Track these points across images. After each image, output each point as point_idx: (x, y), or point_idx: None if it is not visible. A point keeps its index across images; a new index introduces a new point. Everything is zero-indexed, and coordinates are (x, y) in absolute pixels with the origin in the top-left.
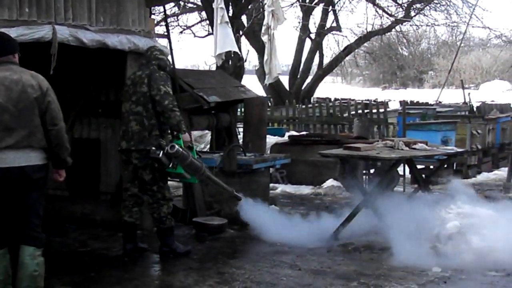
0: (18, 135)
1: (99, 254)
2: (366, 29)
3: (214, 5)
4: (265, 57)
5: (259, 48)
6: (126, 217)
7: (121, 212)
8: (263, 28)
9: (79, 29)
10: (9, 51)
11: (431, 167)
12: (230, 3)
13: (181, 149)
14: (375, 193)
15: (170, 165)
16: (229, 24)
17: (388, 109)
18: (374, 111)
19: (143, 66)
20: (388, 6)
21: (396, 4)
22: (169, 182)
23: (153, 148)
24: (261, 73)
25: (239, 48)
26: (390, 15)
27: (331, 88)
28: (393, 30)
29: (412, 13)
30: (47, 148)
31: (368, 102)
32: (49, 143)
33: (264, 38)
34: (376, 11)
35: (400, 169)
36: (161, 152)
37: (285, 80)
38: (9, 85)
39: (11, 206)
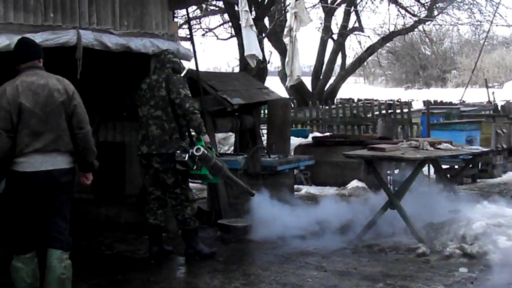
0: (46, 139)
1: (125, 257)
2: (388, 29)
3: (238, 8)
4: (287, 59)
5: (282, 49)
6: (151, 220)
7: (145, 215)
8: (285, 29)
9: (103, 33)
10: (35, 57)
11: (456, 167)
12: (253, 5)
13: (206, 151)
14: (400, 193)
15: (195, 167)
16: (253, 28)
17: (411, 109)
18: (398, 111)
19: (158, 69)
20: (410, 5)
21: (418, 4)
22: (193, 185)
23: (178, 151)
24: (283, 75)
25: (262, 50)
26: (413, 15)
27: (353, 89)
28: (416, 29)
29: (435, 12)
30: (74, 151)
31: (391, 102)
32: (76, 146)
33: (286, 40)
34: (399, 11)
35: (424, 169)
36: (187, 155)
37: (307, 81)
38: (36, 90)
39: (38, 209)
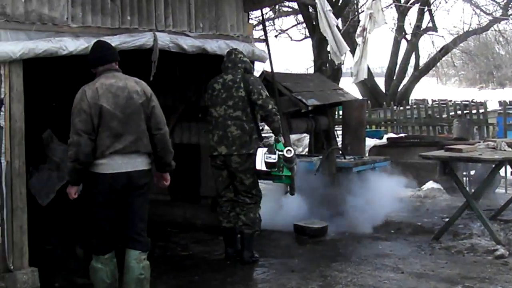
0: (126, 140)
1: (201, 258)
2: (463, 28)
3: (321, 8)
4: (356, 59)
5: (354, 50)
6: (224, 223)
7: (218, 218)
8: (358, 29)
9: (179, 36)
10: (112, 59)
11: None
12: None
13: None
14: (477, 195)
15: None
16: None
17: (487, 110)
18: (474, 111)
19: (230, 69)
20: (485, 4)
21: (494, 2)
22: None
23: (266, 152)
24: None
25: None
26: (488, 14)
27: (426, 89)
28: (490, 29)
29: (510, 11)
30: (152, 153)
31: (467, 102)
32: (154, 147)
33: (358, 40)
34: (473, 10)
35: (501, 171)
36: (277, 156)
37: (381, 82)
38: (115, 92)
39: (117, 211)
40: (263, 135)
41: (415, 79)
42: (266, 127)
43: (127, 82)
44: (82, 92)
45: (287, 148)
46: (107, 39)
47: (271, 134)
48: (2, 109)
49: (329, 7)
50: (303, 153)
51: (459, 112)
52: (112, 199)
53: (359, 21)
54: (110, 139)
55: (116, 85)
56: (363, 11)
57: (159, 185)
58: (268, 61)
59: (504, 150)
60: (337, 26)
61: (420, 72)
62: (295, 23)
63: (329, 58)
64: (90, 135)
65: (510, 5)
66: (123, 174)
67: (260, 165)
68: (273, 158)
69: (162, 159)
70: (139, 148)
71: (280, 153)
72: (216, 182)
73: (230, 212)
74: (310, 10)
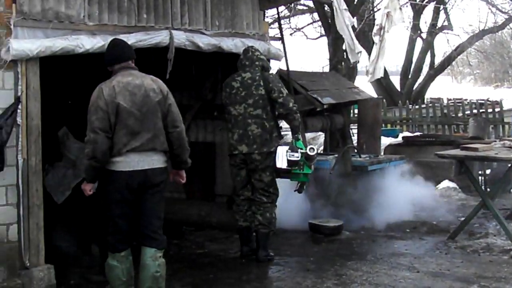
0: (143, 138)
1: (216, 256)
2: (478, 27)
3: (337, 7)
4: (372, 57)
5: (370, 48)
6: (240, 222)
7: (235, 216)
8: (375, 28)
9: (195, 34)
10: (128, 57)
11: None
12: None
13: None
14: (493, 194)
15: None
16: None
17: (503, 108)
18: (490, 110)
19: (248, 67)
20: (501, 3)
21: (510, 1)
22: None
23: (288, 150)
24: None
25: None
26: (504, 12)
27: (441, 88)
28: (506, 27)
29: None
30: (167, 151)
31: (483, 101)
32: (170, 145)
33: (375, 39)
34: (489, 9)
35: None
36: (300, 154)
37: (396, 81)
38: (132, 90)
39: (133, 208)
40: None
41: (430, 77)
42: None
43: (143, 80)
44: (99, 90)
45: (310, 146)
46: (123, 37)
47: (286, 132)
48: (19, 107)
49: (345, 6)
50: (319, 151)
51: (474, 111)
52: (128, 197)
53: (374, 19)
54: (127, 137)
55: (133, 83)
56: (378, 10)
57: (175, 182)
58: (283, 59)
59: None
60: (353, 26)
61: (436, 71)
62: (311, 21)
63: (345, 57)
64: (107, 133)
65: None
66: (139, 172)
67: (281, 163)
68: (296, 156)
69: (178, 157)
70: (156, 146)
71: (302, 151)
72: (234, 181)
73: (247, 211)
74: (326, 9)
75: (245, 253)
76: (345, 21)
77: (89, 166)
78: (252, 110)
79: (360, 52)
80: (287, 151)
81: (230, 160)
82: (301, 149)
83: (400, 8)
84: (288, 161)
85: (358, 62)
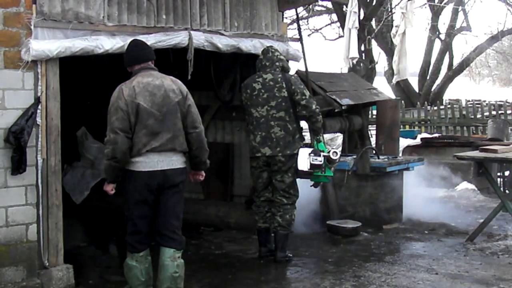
0: (163, 138)
1: (235, 257)
2: (497, 28)
3: (347, 8)
4: (395, 58)
5: (388, 50)
6: (260, 223)
7: (254, 217)
8: (394, 29)
9: (214, 34)
10: (148, 58)
11: None
12: (361, 6)
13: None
14: None
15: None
16: (356, 30)
17: None
18: (508, 112)
19: (269, 68)
20: None
21: None
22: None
23: (311, 154)
24: (389, 75)
25: (371, 51)
26: None
27: (459, 89)
28: None
29: None
30: (186, 151)
31: (501, 103)
32: (190, 146)
33: (396, 40)
34: (508, 9)
35: None
36: (323, 158)
37: (414, 82)
38: (152, 91)
39: (153, 209)
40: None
41: (449, 79)
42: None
43: (163, 81)
44: (119, 90)
45: (333, 150)
46: (142, 38)
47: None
48: (39, 107)
49: (355, 9)
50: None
51: (493, 112)
52: (148, 197)
53: (393, 20)
54: (147, 137)
55: (153, 83)
56: (395, 12)
57: (195, 179)
58: (302, 60)
59: None
60: (370, 28)
61: (454, 72)
62: (329, 22)
63: (363, 58)
64: (127, 133)
65: None
66: (159, 172)
67: (303, 165)
68: (319, 160)
69: (197, 158)
70: (175, 146)
71: (325, 154)
72: (255, 183)
73: (267, 212)
74: (344, 10)
75: (263, 254)
76: (349, 24)
77: (109, 166)
78: (275, 113)
79: (354, 58)
80: (309, 154)
81: (252, 162)
82: (323, 151)
83: (413, 12)
84: (311, 164)
85: (351, 66)
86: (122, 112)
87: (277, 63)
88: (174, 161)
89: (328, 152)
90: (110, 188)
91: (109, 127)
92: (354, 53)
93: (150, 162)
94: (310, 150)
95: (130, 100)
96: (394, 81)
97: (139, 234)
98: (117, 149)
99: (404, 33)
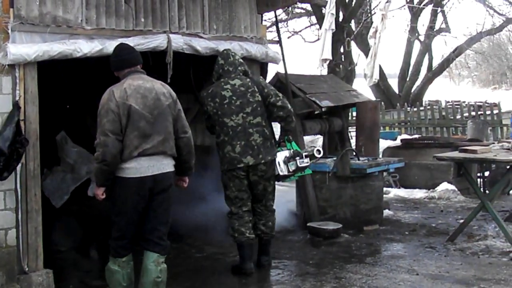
0: (154, 140)
1: (215, 259)
2: (476, 29)
3: (325, 10)
4: (368, 60)
5: (367, 51)
6: (247, 234)
7: (239, 230)
8: (371, 30)
9: (192, 37)
10: (137, 61)
11: None
12: (340, 8)
13: None
14: (492, 196)
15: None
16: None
17: (502, 111)
18: (488, 112)
19: (233, 73)
20: (499, 5)
21: (507, 3)
22: (279, 187)
23: (297, 157)
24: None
25: (350, 52)
26: (501, 15)
27: (439, 90)
28: (504, 29)
29: None
30: (175, 156)
31: (481, 103)
32: (180, 151)
33: (371, 41)
34: (487, 11)
35: None
36: (308, 159)
37: (394, 83)
38: (144, 93)
39: (142, 215)
40: None
41: (429, 80)
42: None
43: (154, 84)
44: (110, 92)
45: (316, 148)
46: (121, 41)
47: None
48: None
49: (333, 11)
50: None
51: (473, 113)
52: (138, 203)
53: (372, 22)
54: (138, 139)
55: (144, 86)
56: (375, 13)
57: (178, 186)
58: (281, 62)
59: None
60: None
61: (434, 73)
62: (308, 24)
63: (343, 59)
64: (118, 135)
65: None
66: (149, 178)
67: (284, 170)
68: (306, 162)
69: (187, 163)
70: (166, 149)
71: (309, 153)
72: (238, 193)
73: (250, 222)
74: (323, 11)
75: (249, 271)
76: (325, 25)
77: (99, 169)
78: (252, 119)
79: (326, 60)
80: (294, 158)
81: (231, 172)
82: (298, 150)
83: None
84: (299, 167)
85: (323, 68)
86: (113, 114)
87: (239, 68)
88: (164, 165)
89: (312, 151)
90: (100, 192)
91: (99, 129)
92: (328, 54)
93: (140, 168)
94: (286, 152)
95: (122, 101)
96: (368, 85)
97: (124, 240)
98: (107, 152)
99: (378, 33)
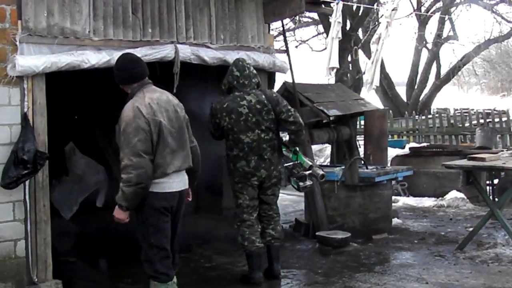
0: (180, 156)
1: (224, 269)
2: (484, 37)
3: (332, 18)
4: (369, 66)
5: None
6: (257, 243)
7: (249, 238)
8: (375, 36)
9: (200, 47)
10: (147, 73)
11: None
12: (348, 17)
13: None
14: (501, 204)
15: None
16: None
17: (510, 118)
18: (496, 120)
19: (248, 87)
20: (506, 12)
21: None
22: (288, 197)
23: (315, 169)
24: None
25: (357, 61)
26: (509, 22)
27: (447, 98)
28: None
29: None
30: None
31: (489, 111)
32: (191, 161)
33: (373, 47)
34: (495, 18)
35: None
36: (311, 181)
37: (402, 91)
38: (165, 107)
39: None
40: None
41: (437, 88)
42: None
43: (168, 96)
44: (135, 109)
45: (321, 173)
46: (129, 51)
47: None
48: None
49: (339, 19)
50: (325, 163)
51: (481, 120)
52: (169, 219)
53: None
54: (169, 156)
55: (162, 98)
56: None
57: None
58: (289, 71)
59: None
60: (357, 38)
61: (442, 81)
62: (316, 33)
63: (350, 68)
64: (151, 156)
65: None
66: (176, 193)
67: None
68: (309, 184)
69: (196, 172)
70: (188, 164)
71: (308, 172)
72: (249, 201)
73: (259, 230)
74: (330, 20)
75: (258, 281)
76: (332, 33)
77: (133, 193)
78: (265, 135)
79: (334, 68)
80: (298, 179)
81: (245, 182)
82: (302, 162)
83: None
84: (302, 187)
85: (331, 76)
86: (145, 133)
87: (253, 80)
88: (186, 180)
89: (318, 174)
90: (125, 217)
91: (128, 150)
92: (335, 63)
93: (173, 183)
94: (290, 165)
95: (152, 118)
96: (367, 91)
97: (168, 259)
98: (144, 174)
99: (381, 40)
